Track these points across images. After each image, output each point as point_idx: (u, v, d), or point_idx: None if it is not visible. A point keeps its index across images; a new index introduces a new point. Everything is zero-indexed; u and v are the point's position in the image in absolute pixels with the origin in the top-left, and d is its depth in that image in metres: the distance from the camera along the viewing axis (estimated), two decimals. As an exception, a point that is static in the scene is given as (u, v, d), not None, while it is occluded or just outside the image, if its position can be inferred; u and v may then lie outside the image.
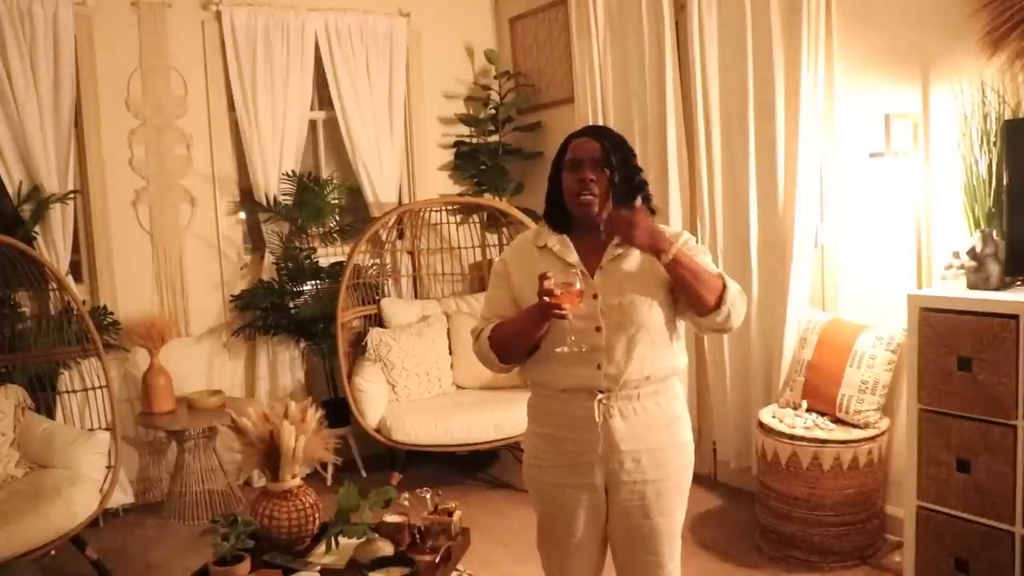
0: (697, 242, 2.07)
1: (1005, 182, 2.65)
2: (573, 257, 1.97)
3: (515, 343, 1.97)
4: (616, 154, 1.96)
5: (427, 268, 4.94)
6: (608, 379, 1.93)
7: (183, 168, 4.35)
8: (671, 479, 2.01)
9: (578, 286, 1.78)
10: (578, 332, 1.89)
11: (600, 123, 4.36)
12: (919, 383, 2.74)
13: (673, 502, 2.03)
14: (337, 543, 2.52)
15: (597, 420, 1.95)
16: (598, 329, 1.92)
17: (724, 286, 1.90)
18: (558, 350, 1.90)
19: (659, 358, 1.97)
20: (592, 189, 1.93)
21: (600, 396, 1.94)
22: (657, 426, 1.99)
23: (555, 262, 1.96)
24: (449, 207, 4.94)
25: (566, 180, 1.97)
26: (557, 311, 1.78)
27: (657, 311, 1.95)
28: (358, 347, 4.49)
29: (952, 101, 2.94)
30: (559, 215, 2.03)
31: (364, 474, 4.49)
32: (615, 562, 2.11)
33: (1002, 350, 2.52)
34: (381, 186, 4.78)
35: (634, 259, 1.97)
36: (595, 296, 1.92)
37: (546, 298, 1.77)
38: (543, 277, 1.78)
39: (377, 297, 4.72)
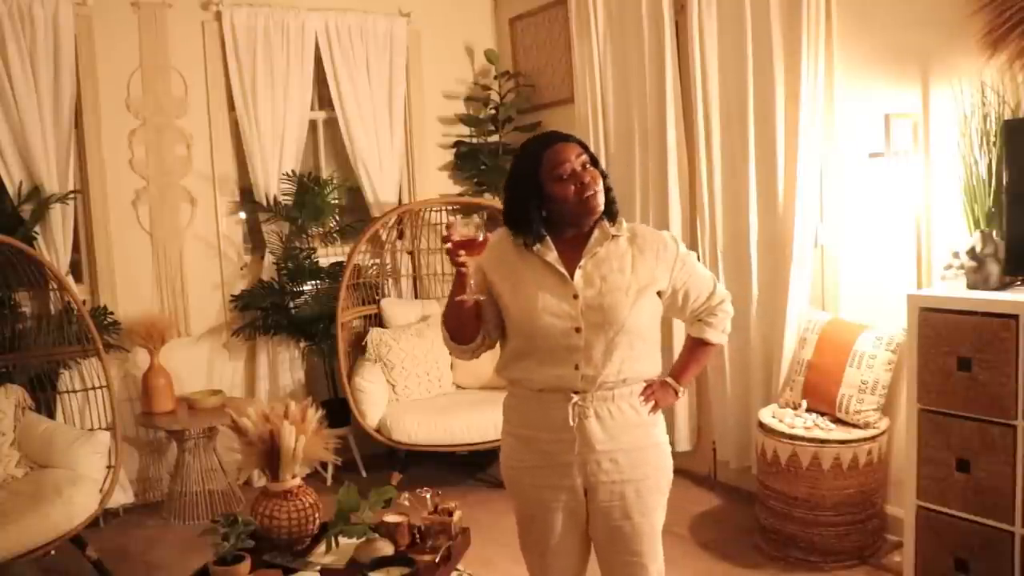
0: (680, 247, 2.03)
1: (1005, 182, 2.65)
2: (552, 256, 1.95)
3: (451, 313, 1.97)
4: (588, 151, 1.98)
5: (427, 268, 4.94)
6: (585, 380, 1.93)
7: (183, 168, 4.35)
8: (650, 479, 2.01)
9: (480, 237, 1.83)
10: (557, 332, 1.91)
11: (600, 124, 4.37)
12: (919, 383, 2.74)
13: (653, 502, 2.03)
14: (337, 543, 2.52)
15: (572, 423, 1.95)
16: (577, 330, 1.91)
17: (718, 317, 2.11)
18: (457, 299, 1.90)
19: (638, 361, 1.97)
20: (594, 186, 1.93)
21: (575, 398, 1.94)
22: (632, 427, 1.99)
23: (534, 259, 1.96)
24: (449, 207, 4.94)
25: (559, 189, 1.92)
26: (456, 259, 1.82)
27: (638, 313, 1.94)
28: (358, 347, 4.50)
29: (952, 101, 2.94)
30: (531, 222, 1.96)
31: (364, 474, 4.49)
32: (599, 563, 2.11)
33: (1002, 350, 2.52)
34: (381, 186, 4.78)
35: (616, 259, 1.96)
36: (575, 296, 1.92)
37: (448, 247, 1.82)
38: (447, 234, 1.83)
39: (377, 297, 4.72)
